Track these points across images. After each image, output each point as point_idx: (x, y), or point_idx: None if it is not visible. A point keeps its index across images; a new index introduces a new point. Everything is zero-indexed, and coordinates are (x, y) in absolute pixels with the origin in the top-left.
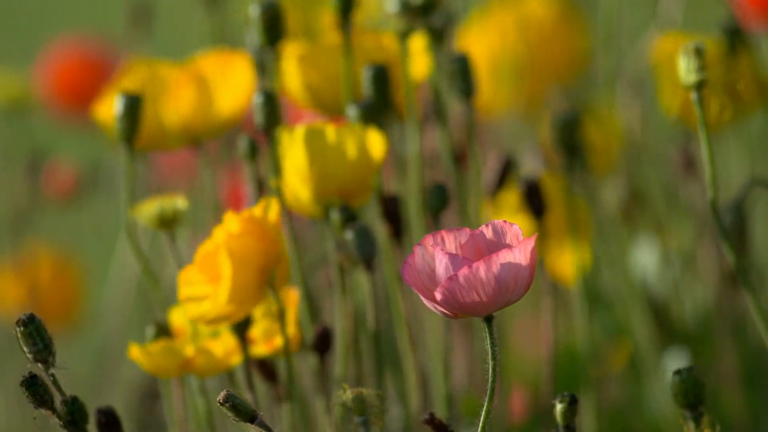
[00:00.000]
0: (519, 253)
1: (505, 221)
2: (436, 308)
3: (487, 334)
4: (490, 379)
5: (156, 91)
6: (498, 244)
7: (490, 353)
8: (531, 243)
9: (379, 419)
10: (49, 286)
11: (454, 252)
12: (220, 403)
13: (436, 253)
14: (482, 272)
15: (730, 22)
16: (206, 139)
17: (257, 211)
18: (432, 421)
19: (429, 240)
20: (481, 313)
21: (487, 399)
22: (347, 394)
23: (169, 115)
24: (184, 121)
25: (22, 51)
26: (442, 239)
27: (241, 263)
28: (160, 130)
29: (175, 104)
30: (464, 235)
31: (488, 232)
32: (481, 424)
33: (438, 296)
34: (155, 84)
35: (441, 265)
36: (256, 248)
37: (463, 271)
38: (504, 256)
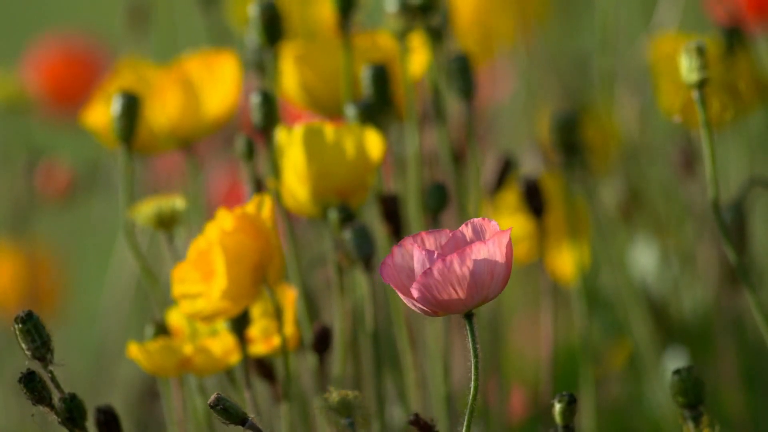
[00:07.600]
0: (493, 246)
1: (484, 219)
2: (415, 306)
3: (468, 331)
4: (473, 377)
5: (143, 94)
6: (477, 241)
7: (471, 351)
8: (505, 236)
9: (366, 421)
10: (45, 284)
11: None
12: (210, 406)
13: (414, 251)
14: (456, 266)
15: (728, 23)
16: (195, 141)
17: (250, 208)
18: (417, 422)
19: (408, 240)
20: (459, 310)
21: (471, 397)
22: (333, 397)
23: (157, 117)
24: (172, 124)
25: (19, 51)
26: (422, 240)
27: (235, 260)
28: (148, 132)
29: (162, 106)
30: (444, 236)
31: (468, 232)
32: (465, 423)
33: (414, 293)
34: (142, 87)
35: (418, 263)
36: (249, 245)
37: (437, 265)
38: (477, 250)
